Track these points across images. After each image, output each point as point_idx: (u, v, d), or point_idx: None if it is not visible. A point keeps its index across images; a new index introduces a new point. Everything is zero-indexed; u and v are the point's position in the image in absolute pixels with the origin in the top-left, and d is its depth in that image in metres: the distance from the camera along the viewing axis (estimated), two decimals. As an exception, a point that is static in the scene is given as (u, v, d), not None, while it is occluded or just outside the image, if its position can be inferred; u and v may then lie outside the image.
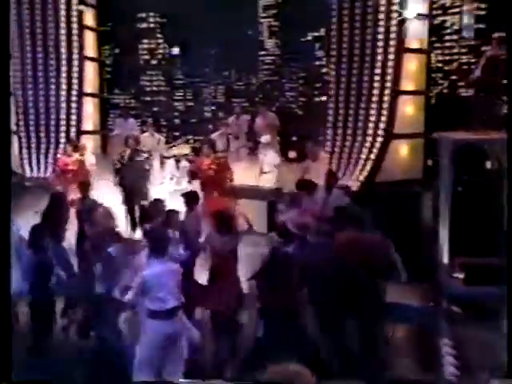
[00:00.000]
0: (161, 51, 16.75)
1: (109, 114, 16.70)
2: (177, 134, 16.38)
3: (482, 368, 6.65)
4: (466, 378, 6.86)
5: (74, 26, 14.40)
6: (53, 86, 14.30)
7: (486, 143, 9.33)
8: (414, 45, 12.82)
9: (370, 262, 6.94)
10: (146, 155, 11.13)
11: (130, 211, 10.95)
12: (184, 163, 12.06)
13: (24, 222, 8.41)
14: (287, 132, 14.62)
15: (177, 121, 16.77)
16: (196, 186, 11.40)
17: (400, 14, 12.38)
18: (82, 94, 14.56)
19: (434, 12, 13.30)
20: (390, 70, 12.60)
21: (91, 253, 7.33)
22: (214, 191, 10.60)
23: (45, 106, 14.26)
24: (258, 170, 12.33)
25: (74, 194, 10.04)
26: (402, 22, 12.41)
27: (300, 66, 15.63)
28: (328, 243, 7.20)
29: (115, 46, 16.83)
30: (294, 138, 15.30)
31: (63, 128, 14.23)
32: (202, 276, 7.98)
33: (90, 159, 11.94)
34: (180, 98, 16.74)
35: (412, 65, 12.88)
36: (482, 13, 13.30)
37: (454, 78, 13.76)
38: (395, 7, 12.36)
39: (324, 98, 14.90)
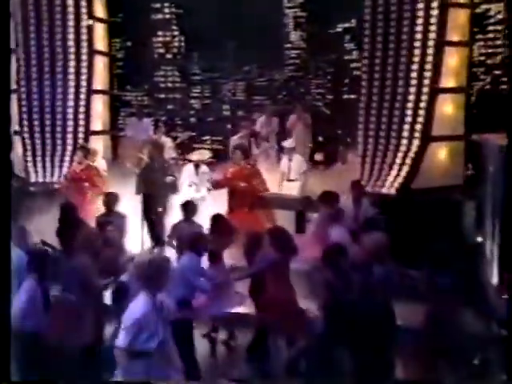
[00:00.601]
0: (176, 44, 16.39)
1: (119, 113, 16.43)
2: (193, 134, 16.02)
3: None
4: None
5: (83, 17, 14.05)
6: (59, 83, 13.97)
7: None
8: (455, 37, 12.34)
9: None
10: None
11: (150, 225, 10.60)
12: (204, 168, 11.68)
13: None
14: (313, 132, 14.38)
15: (193, 120, 16.41)
16: (215, 194, 11.08)
17: (439, 3, 11.92)
18: (91, 91, 14.23)
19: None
20: (428, 66, 12.16)
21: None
22: (244, 204, 10.19)
23: (51, 105, 13.94)
24: (281, 176, 11.89)
25: (89, 205, 9.72)
26: (441, 12, 11.92)
27: (328, 61, 15.27)
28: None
29: (127, 38, 16.44)
30: (321, 139, 14.91)
31: (70, 128, 13.91)
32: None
33: (101, 165, 11.61)
34: (197, 95, 16.39)
35: (452, 59, 12.41)
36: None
37: (497, 72, 13.20)
38: (434, -5, 11.91)
39: (354, 96, 14.60)
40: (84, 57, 14.16)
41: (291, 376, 7.09)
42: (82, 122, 13.98)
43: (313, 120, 14.25)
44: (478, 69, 13.31)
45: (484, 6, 13.13)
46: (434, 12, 11.96)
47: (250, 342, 7.95)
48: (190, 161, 11.82)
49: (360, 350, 6.32)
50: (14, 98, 13.48)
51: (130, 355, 5.42)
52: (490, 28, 13.25)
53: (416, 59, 12.21)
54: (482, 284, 8.94)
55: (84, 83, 14.10)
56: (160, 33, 16.43)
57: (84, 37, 14.18)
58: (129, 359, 5.45)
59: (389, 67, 12.53)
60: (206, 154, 12.09)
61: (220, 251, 7.95)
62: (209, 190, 11.36)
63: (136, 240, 10.26)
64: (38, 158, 13.70)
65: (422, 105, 12.16)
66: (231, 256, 8.48)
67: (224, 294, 7.58)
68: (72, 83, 14.03)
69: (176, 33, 16.38)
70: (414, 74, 12.24)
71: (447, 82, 12.36)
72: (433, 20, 12.09)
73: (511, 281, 8.56)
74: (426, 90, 12.18)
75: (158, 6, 16.27)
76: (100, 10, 14.70)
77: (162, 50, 16.49)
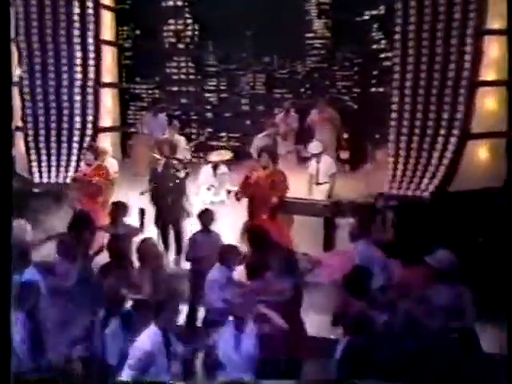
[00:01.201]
0: (189, 33, 16.07)
1: (129, 107, 16.17)
2: (210, 130, 15.74)
3: None
4: None
5: (89, 4, 13.74)
6: (65, 75, 13.64)
7: None
8: (496, 25, 11.97)
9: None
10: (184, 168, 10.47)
11: (164, 237, 10.32)
12: (223, 169, 11.38)
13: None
14: (339, 128, 14.04)
15: (209, 115, 16.12)
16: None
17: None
18: (99, 84, 13.94)
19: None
20: (467, 56, 11.80)
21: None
22: (264, 210, 9.89)
23: (56, 99, 13.61)
24: (309, 179, 11.56)
25: (100, 211, 9.58)
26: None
27: (354, 51, 14.94)
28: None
29: (136, 27, 16.19)
30: (346, 136, 14.58)
31: (78, 125, 13.59)
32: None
33: (111, 165, 11.32)
34: (212, 88, 16.07)
35: (493, 49, 12.04)
36: None
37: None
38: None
39: (383, 89, 14.32)
40: (91, 47, 13.84)
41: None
42: (89, 118, 13.66)
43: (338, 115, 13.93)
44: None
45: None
46: (473, -4, 11.59)
47: None
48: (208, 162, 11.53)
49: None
50: (15, 91, 13.22)
51: None
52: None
53: (453, 49, 11.84)
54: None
55: (92, 75, 13.78)
56: (171, 20, 16.10)
57: (90, 25, 13.86)
58: None
59: (423, 58, 12.16)
60: (226, 155, 11.77)
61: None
62: (228, 192, 11.06)
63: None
64: (43, 157, 13.37)
65: (461, 99, 11.79)
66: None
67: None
68: (79, 76, 13.70)
69: (189, 20, 16.04)
70: (451, 66, 11.88)
71: (488, 74, 11.99)
72: (472, 6, 11.72)
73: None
74: (464, 82, 11.81)
75: (169, -9, 15.96)
76: (107, -4, 14.37)
77: (173, 40, 16.17)
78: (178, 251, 10.53)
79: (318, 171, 11.51)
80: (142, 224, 10.44)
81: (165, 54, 16.22)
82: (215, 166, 11.41)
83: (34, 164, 13.32)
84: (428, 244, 9.16)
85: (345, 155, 14.55)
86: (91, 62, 13.84)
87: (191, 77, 16.16)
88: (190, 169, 11.03)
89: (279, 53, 15.50)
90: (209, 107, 16.07)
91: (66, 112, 13.64)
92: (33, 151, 13.41)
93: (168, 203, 10.31)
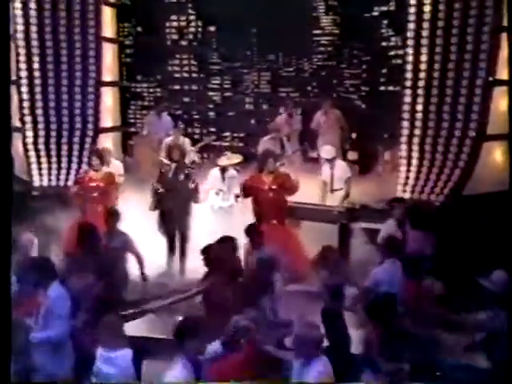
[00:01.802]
0: (192, 30, 15.65)
1: (129, 106, 15.81)
2: (213, 129, 15.37)
3: None
4: None
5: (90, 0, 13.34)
6: (65, 74, 13.27)
7: None
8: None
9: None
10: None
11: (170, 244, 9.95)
12: (231, 172, 11.02)
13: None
14: (346, 129, 13.81)
15: (212, 114, 15.71)
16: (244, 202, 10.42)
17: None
18: (100, 83, 13.57)
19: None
20: (483, 55, 11.48)
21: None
22: (272, 215, 9.52)
23: (55, 98, 13.22)
24: (322, 186, 11.17)
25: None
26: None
27: (363, 48, 14.53)
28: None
29: (137, 23, 15.80)
30: (354, 136, 14.23)
31: (78, 125, 13.25)
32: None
33: (116, 167, 10.94)
34: (216, 86, 15.65)
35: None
36: None
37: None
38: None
39: (392, 88, 14.02)
40: (92, 45, 13.46)
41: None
42: (91, 118, 13.32)
43: (346, 114, 13.67)
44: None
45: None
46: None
47: None
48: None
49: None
50: (13, 90, 12.82)
51: None
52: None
53: (469, 47, 11.55)
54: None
55: (93, 74, 13.43)
56: (174, 17, 15.67)
57: (91, 22, 13.48)
58: None
59: (437, 56, 11.83)
60: (235, 158, 11.41)
61: None
62: (237, 197, 10.70)
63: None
64: (43, 159, 13.00)
65: (476, 99, 11.51)
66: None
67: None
68: (79, 74, 13.35)
69: (192, 17, 15.59)
70: (466, 65, 11.57)
71: (504, 73, 11.62)
72: (488, 2, 11.40)
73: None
74: (480, 82, 11.52)
75: (171, -14, 15.58)
76: (108, -8, 13.99)
77: (176, 36, 15.77)
78: (183, 259, 10.18)
79: (332, 177, 11.12)
80: None
81: (167, 52, 15.81)
82: (223, 169, 11.05)
83: (34, 166, 12.91)
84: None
85: (353, 156, 14.18)
86: (92, 61, 13.47)
87: (194, 75, 15.75)
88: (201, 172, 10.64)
89: (285, 50, 15.07)
90: (212, 106, 15.67)
91: (65, 112, 13.29)
92: (32, 153, 13.01)
93: (177, 209, 9.89)
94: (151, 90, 15.96)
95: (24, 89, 13.11)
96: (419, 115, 11.99)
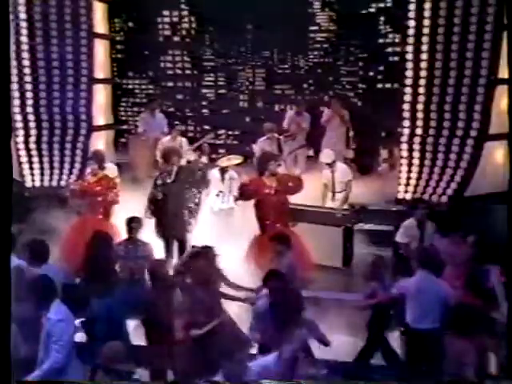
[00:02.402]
0: (185, 26, 15.38)
1: (120, 103, 15.53)
2: (206, 127, 15.11)
3: None
4: None
5: (82, -5, 13.06)
6: (56, 72, 12.97)
7: None
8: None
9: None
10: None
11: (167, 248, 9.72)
12: (231, 174, 10.78)
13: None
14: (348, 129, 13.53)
15: (205, 111, 15.46)
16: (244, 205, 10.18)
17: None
18: (92, 80, 13.30)
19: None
20: (485, 53, 11.31)
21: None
22: (276, 219, 9.31)
23: (47, 96, 12.95)
24: (323, 190, 10.97)
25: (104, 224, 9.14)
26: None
27: (360, 45, 14.30)
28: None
29: (128, 18, 15.57)
30: (351, 134, 14.02)
31: (71, 124, 12.96)
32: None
33: (110, 170, 10.66)
34: (210, 83, 15.41)
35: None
36: None
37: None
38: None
39: (389, 85, 13.93)
40: (83, 41, 13.17)
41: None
42: (83, 117, 13.03)
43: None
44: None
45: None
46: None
47: None
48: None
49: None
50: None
51: None
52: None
53: (470, 46, 11.37)
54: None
55: (85, 71, 13.16)
56: (166, 12, 15.40)
57: (82, 18, 13.18)
58: None
59: (438, 54, 11.65)
60: (236, 159, 11.17)
61: None
62: (236, 199, 10.46)
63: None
64: (35, 159, 12.69)
65: (479, 98, 11.35)
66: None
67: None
68: (71, 72, 13.08)
69: (185, 12, 15.35)
70: (468, 63, 11.41)
71: (504, 70, 11.47)
72: (490, 0, 11.22)
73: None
74: (482, 80, 11.37)
75: (163, -19, 15.30)
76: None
77: (168, 32, 15.51)
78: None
79: (333, 180, 10.91)
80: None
81: (159, 48, 15.57)
82: (223, 170, 10.80)
83: (26, 166, 12.63)
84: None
85: (349, 154, 13.96)
86: (84, 57, 13.21)
87: (187, 72, 15.50)
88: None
89: (280, 47, 14.85)
90: (206, 103, 15.43)
91: (57, 110, 13.01)
92: (23, 152, 12.71)
93: (176, 213, 9.62)
94: (143, 87, 15.72)
95: (14, 86, 12.76)
96: (420, 114, 11.81)
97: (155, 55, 15.57)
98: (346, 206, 10.70)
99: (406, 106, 11.93)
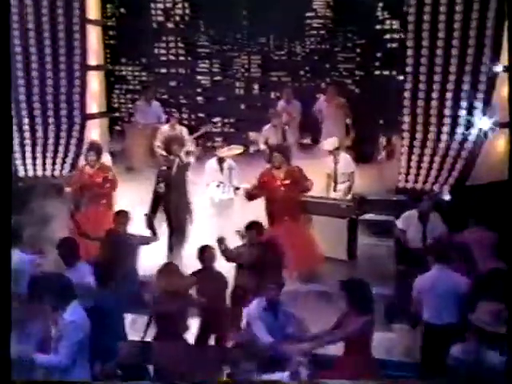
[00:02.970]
0: (179, 11, 15.14)
1: (113, 90, 15.29)
2: (201, 115, 14.89)
3: None
4: None
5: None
6: (49, 59, 12.70)
7: None
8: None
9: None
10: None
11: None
12: (229, 163, 10.60)
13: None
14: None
15: (200, 99, 15.25)
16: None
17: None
18: (85, 67, 13.02)
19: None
20: (487, 40, 11.14)
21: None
22: (284, 211, 9.13)
23: (39, 84, 12.67)
24: (327, 180, 10.81)
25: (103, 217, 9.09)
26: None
27: (357, 31, 14.17)
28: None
29: (120, 4, 15.28)
30: (349, 122, 13.86)
31: (64, 112, 12.69)
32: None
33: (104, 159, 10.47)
34: (204, 70, 15.21)
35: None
36: None
37: None
38: None
39: (387, 72, 13.86)
40: (76, 27, 12.86)
41: None
42: (77, 105, 12.76)
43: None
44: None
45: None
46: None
47: None
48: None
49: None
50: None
51: None
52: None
53: (472, 33, 11.21)
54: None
55: (78, 58, 12.86)
56: (159, -3, 15.12)
57: (74, 3, 12.86)
58: None
59: (439, 42, 11.47)
60: (236, 149, 10.99)
61: None
62: (236, 189, 10.29)
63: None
64: (28, 148, 12.44)
65: (481, 86, 11.20)
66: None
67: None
68: (63, 59, 12.78)
69: (179, -3, 15.10)
70: (470, 50, 11.23)
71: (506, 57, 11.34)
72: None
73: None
74: (484, 68, 11.20)
75: (155, -36, 15.04)
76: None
77: (162, 18, 15.28)
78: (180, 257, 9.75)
79: (335, 172, 10.74)
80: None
81: (152, 34, 15.33)
82: (220, 160, 10.61)
83: (18, 156, 12.35)
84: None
85: (346, 142, 13.80)
86: (76, 43, 12.90)
87: (181, 58, 15.30)
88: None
89: (276, 33, 14.69)
90: (200, 91, 15.24)
91: (50, 98, 12.73)
92: (16, 141, 12.39)
93: (179, 204, 9.44)
94: (136, 74, 15.48)
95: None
96: (421, 103, 11.64)
97: (148, 41, 15.34)
98: (349, 197, 10.52)
99: (406, 94, 11.76)
